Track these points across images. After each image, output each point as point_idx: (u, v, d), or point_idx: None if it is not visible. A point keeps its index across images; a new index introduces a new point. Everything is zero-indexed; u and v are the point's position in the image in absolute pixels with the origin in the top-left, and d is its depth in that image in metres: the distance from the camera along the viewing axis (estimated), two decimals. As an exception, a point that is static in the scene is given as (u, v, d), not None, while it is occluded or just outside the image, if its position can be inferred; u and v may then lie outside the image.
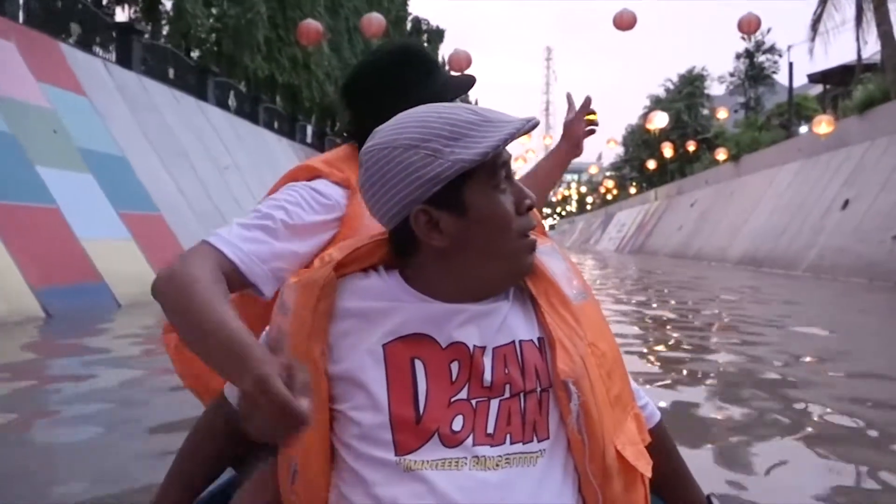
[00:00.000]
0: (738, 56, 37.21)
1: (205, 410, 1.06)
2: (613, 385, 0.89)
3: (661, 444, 1.01)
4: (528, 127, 0.85)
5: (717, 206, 29.40)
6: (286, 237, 1.04)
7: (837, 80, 26.90)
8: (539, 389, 0.85)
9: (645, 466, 0.89)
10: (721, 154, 27.88)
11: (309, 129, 27.82)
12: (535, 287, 0.91)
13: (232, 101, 19.48)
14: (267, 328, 0.93)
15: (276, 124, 23.43)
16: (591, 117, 1.57)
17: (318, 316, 0.85)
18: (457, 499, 0.78)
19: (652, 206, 42.25)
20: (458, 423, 0.82)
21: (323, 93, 25.88)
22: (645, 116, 45.74)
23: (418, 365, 0.83)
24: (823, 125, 17.40)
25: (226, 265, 0.95)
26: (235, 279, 0.97)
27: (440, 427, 0.81)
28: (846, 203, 17.80)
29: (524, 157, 36.99)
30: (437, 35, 40.54)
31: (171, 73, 15.83)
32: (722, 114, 31.62)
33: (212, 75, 17.89)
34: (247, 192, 16.61)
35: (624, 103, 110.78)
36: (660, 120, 22.95)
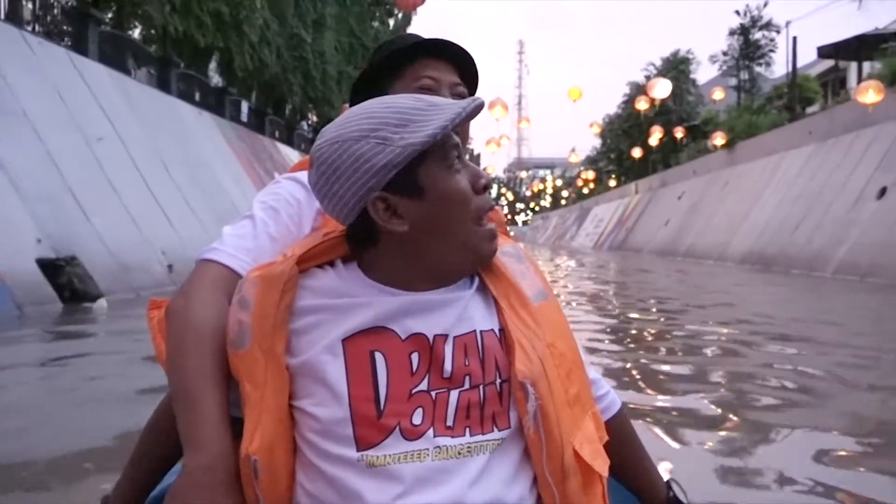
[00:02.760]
0: (731, 32, 33.84)
1: (156, 408, 1.09)
2: (572, 385, 0.90)
3: (622, 432, 1.03)
4: (474, 107, 0.85)
5: (708, 198, 26.84)
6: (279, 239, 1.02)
7: (852, 55, 23.76)
8: (499, 381, 0.86)
9: (602, 466, 0.89)
10: (719, 139, 24.82)
11: (244, 105, 23.89)
12: (495, 288, 0.91)
13: (131, 62, 15.63)
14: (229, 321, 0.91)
15: (197, 95, 19.54)
16: None
17: (280, 311, 0.85)
18: (420, 489, 0.79)
19: (633, 200, 39.46)
20: (418, 417, 0.83)
21: (260, 62, 22.06)
22: (628, 102, 42.66)
23: (378, 358, 0.84)
24: (871, 93, 14.04)
25: (236, 280, 0.93)
26: None
27: (401, 421, 0.82)
28: (883, 191, 14.75)
29: (498, 141, 34.27)
30: (405, 18, 37.79)
31: (26, 12, 11.98)
32: (718, 94, 28.42)
33: (95, 23, 14.02)
34: (133, 170, 12.85)
35: (600, 96, 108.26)
36: (662, 88, 19.64)
